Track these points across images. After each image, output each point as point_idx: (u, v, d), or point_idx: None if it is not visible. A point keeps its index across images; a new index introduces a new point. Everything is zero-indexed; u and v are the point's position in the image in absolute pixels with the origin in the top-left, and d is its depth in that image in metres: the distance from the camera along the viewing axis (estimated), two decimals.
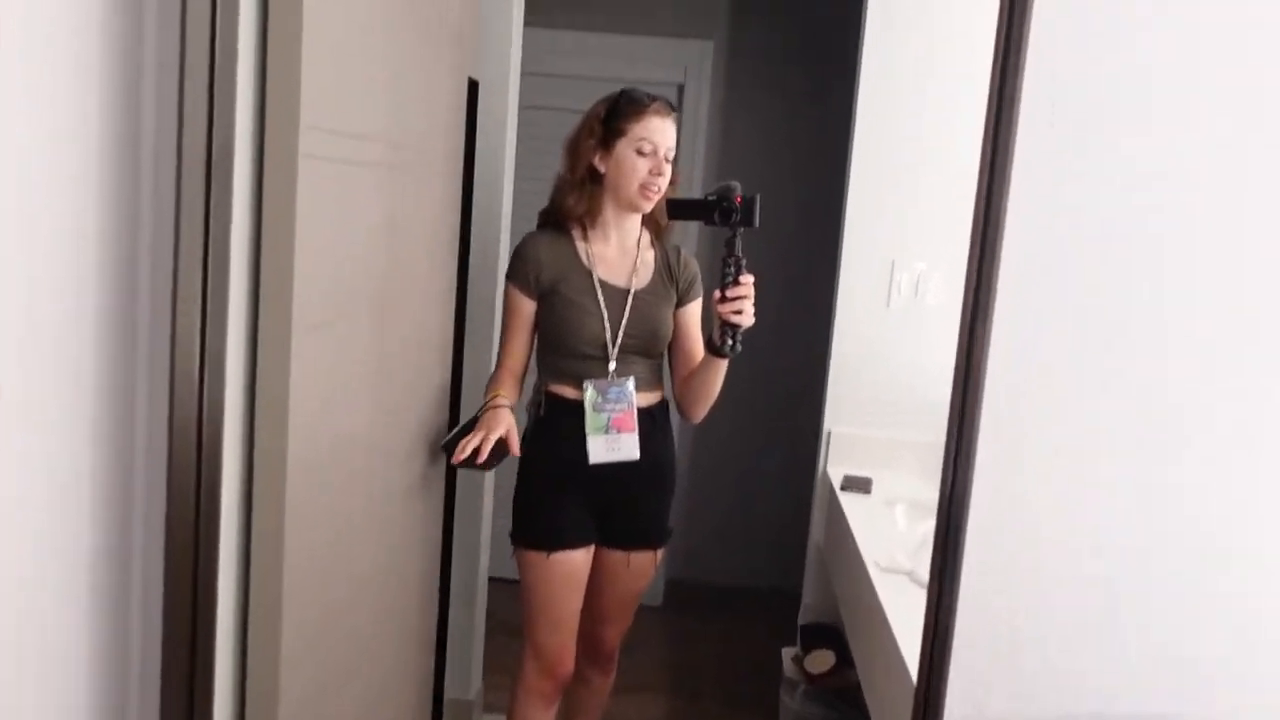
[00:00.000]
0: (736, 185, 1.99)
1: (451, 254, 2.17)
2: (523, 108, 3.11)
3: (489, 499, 2.95)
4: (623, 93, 2.13)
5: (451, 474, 2.41)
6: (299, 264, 1.42)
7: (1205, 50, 1.13)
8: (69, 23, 1.15)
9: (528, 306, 2.16)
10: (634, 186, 2.10)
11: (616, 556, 2.25)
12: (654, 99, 2.12)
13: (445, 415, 2.20)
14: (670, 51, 3.78)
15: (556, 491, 2.17)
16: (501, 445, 2.05)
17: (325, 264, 1.52)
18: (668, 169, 2.11)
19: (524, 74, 3.11)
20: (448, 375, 2.19)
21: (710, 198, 1.99)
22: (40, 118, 1.12)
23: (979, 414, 1.21)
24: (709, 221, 1.99)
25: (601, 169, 2.13)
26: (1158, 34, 1.13)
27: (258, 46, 1.35)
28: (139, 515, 1.33)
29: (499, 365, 2.22)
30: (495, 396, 2.13)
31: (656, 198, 2.12)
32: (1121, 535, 1.21)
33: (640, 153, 2.09)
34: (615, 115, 2.11)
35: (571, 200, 2.15)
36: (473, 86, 2.25)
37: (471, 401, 2.57)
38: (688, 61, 3.79)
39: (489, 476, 2.89)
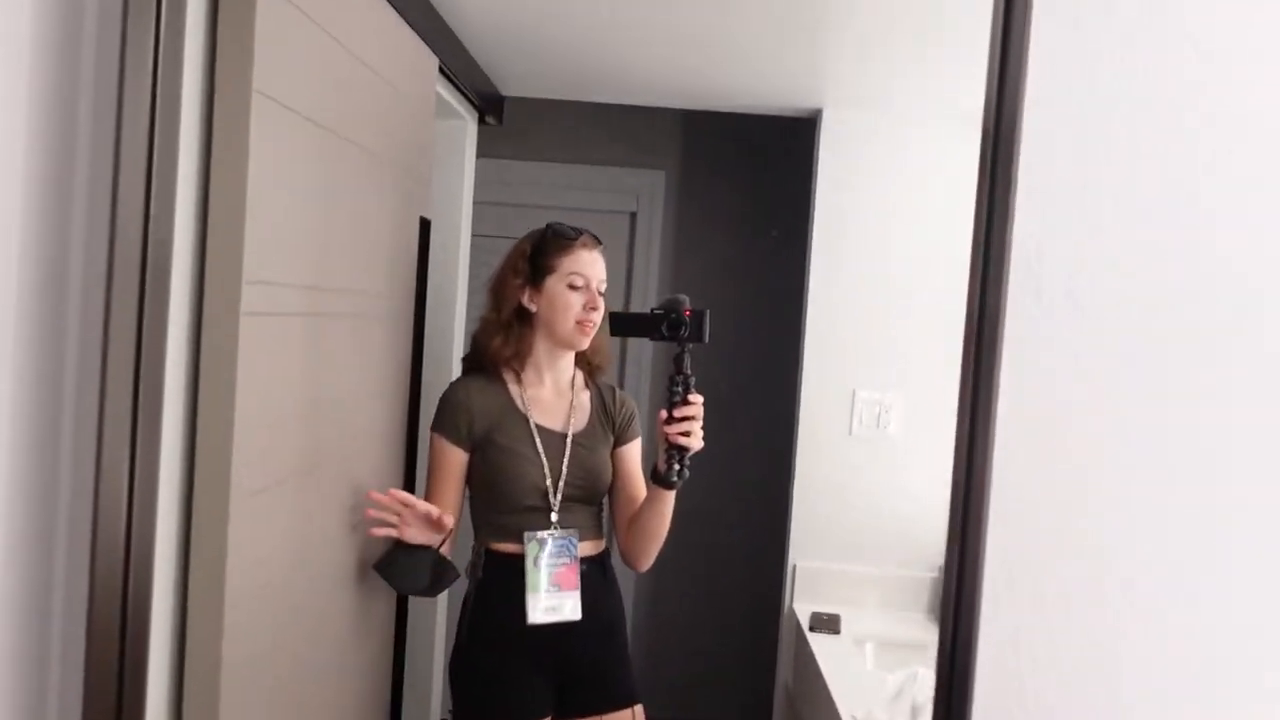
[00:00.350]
0: (685, 299, 1.92)
1: (400, 396, 2.09)
2: (476, 237, 3.07)
3: (440, 645, 2.81)
4: (549, 227, 2.04)
5: (401, 627, 2.27)
6: (239, 424, 1.33)
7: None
8: None
9: (458, 459, 2.01)
10: (570, 323, 2.00)
11: None
12: (580, 232, 2.03)
13: None
14: (624, 181, 3.79)
15: (507, 660, 1.99)
16: (446, 564, 1.90)
17: (266, 421, 1.43)
18: (601, 303, 2.02)
19: (477, 204, 3.08)
20: None
21: (657, 311, 1.92)
22: None
23: (982, 556, 1.13)
24: (655, 336, 1.91)
25: (532, 308, 2.03)
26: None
27: (198, 192, 1.28)
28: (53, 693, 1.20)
29: None
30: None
31: (593, 333, 2.03)
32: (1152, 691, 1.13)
33: (573, 287, 1.99)
34: (543, 251, 2.02)
35: (498, 342, 2.03)
36: (425, 224, 2.19)
37: None
38: (640, 191, 3.79)
39: (440, 620, 2.75)
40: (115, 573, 1.20)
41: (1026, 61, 1.12)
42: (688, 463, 1.92)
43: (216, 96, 1.28)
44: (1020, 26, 1.13)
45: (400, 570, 1.92)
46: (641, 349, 3.67)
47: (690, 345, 1.90)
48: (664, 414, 1.90)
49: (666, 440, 1.91)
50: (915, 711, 2.07)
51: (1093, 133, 1.12)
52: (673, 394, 1.90)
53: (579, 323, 2.00)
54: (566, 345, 2.05)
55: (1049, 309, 1.10)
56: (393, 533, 1.86)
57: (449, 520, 1.89)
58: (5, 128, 1.10)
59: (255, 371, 1.37)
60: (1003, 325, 1.09)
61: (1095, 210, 1.12)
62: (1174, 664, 1.12)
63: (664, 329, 1.90)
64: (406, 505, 1.86)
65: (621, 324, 2.07)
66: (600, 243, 2.07)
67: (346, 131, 1.65)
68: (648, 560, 2.09)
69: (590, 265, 2.01)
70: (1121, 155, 1.12)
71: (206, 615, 1.32)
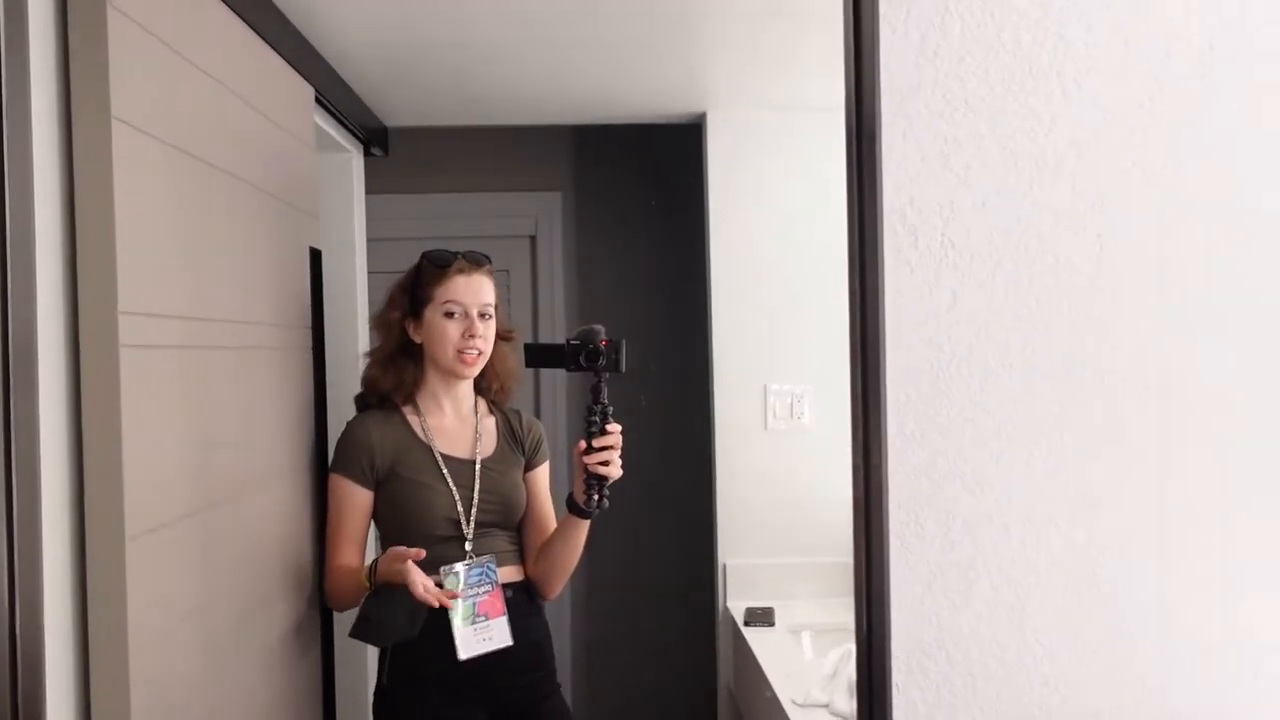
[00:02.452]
0: (600, 329, 1.91)
1: (303, 429, 2.05)
2: (374, 274, 3.03)
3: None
4: (423, 256, 2.01)
5: (329, 667, 2.21)
6: (128, 462, 1.28)
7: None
8: None
9: (363, 499, 1.96)
10: (450, 352, 1.96)
11: None
12: (457, 255, 1.99)
13: (316, 606, 2.03)
14: (520, 205, 3.78)
15: (432, 696, 1.93)
16: (414, 602, 1.80)
17: (156, 456, 1.38)
18: (483, 326, 1.97)
19: (372, 240, 3.04)
20: (312, 556, 2.03)
21: (572, 342, 1.91)
22: None
23: (886, 532, 1.15)
24: (571, 367, 1.90)
25: (417, 339, 2.00)
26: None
27: (64, 224, 1.24)
28: None
29: (332, 569, 1.95)
30: (364, 569, 1.88)
31: (477, 361, 1.98)
32: (1062, 645, 1.15)
33: (449, 315, 1.95)
34: (419, 282, 1.99)
35: (386, 376, 2.00)
36: (316, 255, 2.16)
37: None
38: (537, 213, 3.79)
39: (370, 658, 2.68)
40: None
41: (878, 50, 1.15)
42: (607, 492, 1.91)
43: (74, 125, 1.25)
44: (870, 11, 1.16)
45: (378, 624, 1.87)
46: (556, 377, 3.65)
47: (607, 375, 1.90)
48: (582, 444, 1.89)
49: (585, 470, 1.89)
50: (852, 687, 2.08)
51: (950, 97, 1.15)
52: (590, 424, 1.89)
53: (459, 351, 1.96)
54: (452, 375, 2.01)
55: (925, 253, 1.13)
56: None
57: (422, 552, 1.80)
58: None
59: (139, 405, 1.33)
60: (882, 273, 1.11)
61: (960, 160, 1.15)
62: (1072, 584, 1.14)
63: (581, 360, 1.89)
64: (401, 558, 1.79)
65: (536, 356, 2.06)
66: (481, 264, 2.01)
67: (218, 161, 1.62)
68: (557, 588, 2.05)
69: (466, 291, 1.96)
70: (982, 107, 1.15)
71: (110, 660, 1.27)
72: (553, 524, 2.08)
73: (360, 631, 1.89)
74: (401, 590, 1.81)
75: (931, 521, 1.15)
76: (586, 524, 1.97)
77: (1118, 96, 1.14)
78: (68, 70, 1.25)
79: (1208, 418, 1.15)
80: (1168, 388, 1.15)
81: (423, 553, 1.80)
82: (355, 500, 1.96)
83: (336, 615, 2.14)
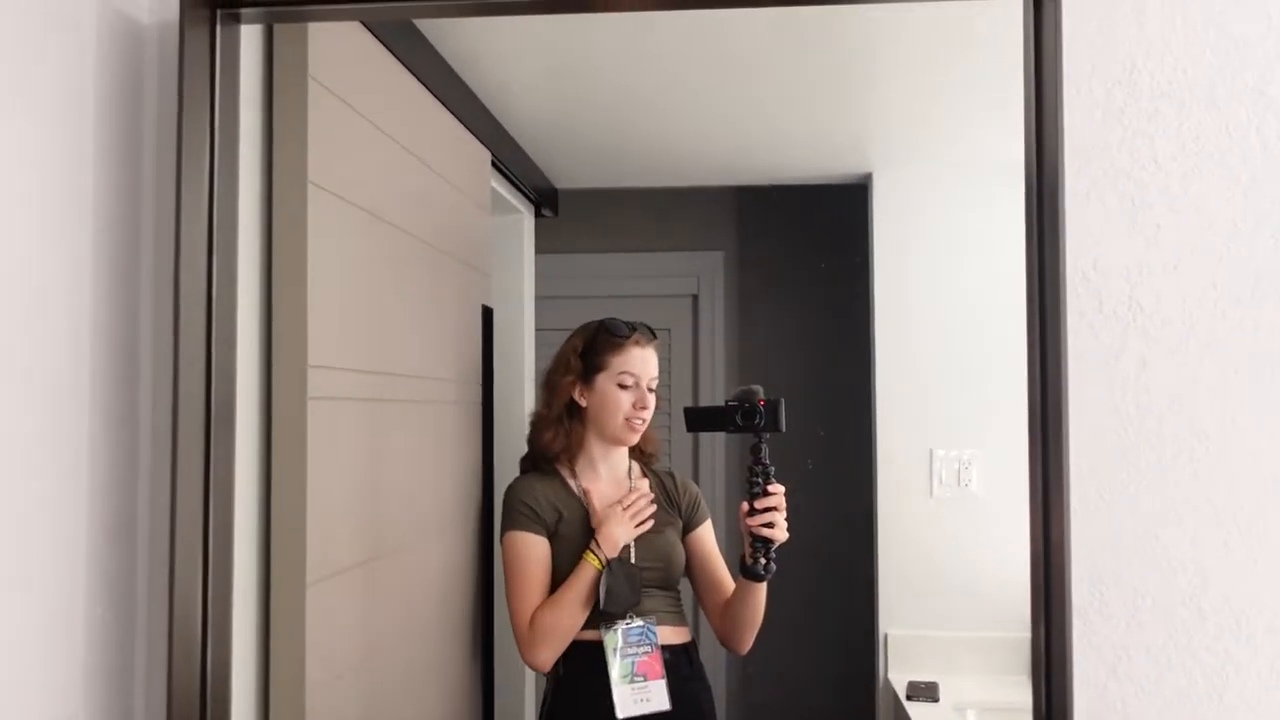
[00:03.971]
0: (759, 389, 1.92)
1: (473, 484, 2.10)
2: (540, 331, 3.10)
3: None
4: (600, 325, 2.08)
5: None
6: (311, 509, 1.34)
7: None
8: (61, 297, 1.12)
9: (544, 548, 1.97)
10: (619, 420, 2.02)
11: None
12: (634, 329, 2.07)
13: (478, 663, 2.07)
14: (682, 264, 3.81)
15: None
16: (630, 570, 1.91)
17: (333, 506, 1.44)
18: (652, 400, 2.04)
19: (540, 298, 3.12)
20: (477, 609, 2.07)
21: (731, 404, 1.92)
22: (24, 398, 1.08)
23: (1069, 608, 1.09)
24: (730, 429, 1.91)
25: (583, 403, 2.05)
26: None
27: (262, 283, 1.33)
28: None
29: (531, 620, 1.95)
30: (589, 555, 1.95)
31: (643, 429, 2.04)
32: None
33: (623, 386, 2.02)
34: (594, 349, 2.06)
35: (549, 435, 2.04)
36: (488, 313, 2.23)
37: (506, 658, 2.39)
38: (699, 273, 3.81)
39: (529, 712, 2.70)
40: (193, 673, 1.20)
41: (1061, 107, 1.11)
42: (773, 555, 1.91)
43: (274, 190, 1.34)
44: (1052, 69, 1.13)
45: (617, 593, 1.92)
46: (715, 440, 3.64)
47: (767, 435, 1.89)
48: (745, 506, 1.90)
49: (750, 533, 1.90)
50: None
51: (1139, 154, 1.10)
52: (753, 485, 1.90)
53: (627, 419, 2.02)
54: (616, 442, 2.06)
55: (1110, 316, 1.08)
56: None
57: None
58: (73, 231, 1.15)
59: (323, 454, 1.39)
60: (1064, 337, 1.07)
61: (1149, 220, 1.10)
62: (1275, 675, 1.06)
63: (739, 419, 1.91)
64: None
65: (695, 419, 2.08)
66: (654, 337, 2.10)
67: (401, 222, 1.70)
68: (748, 642, 2.08)
69: (641, 363, 2.04)
70: (1171, 165, 1.11)
71: (288, 701, 1.32)
72: (728, 579, 2.07)
73: (608, 600, 1.91)
74: (619, 560, 1.90)
75: (1117, 600, 1.08)
76: (762, 587, 1.99)
77: None
78: (271, 137, 1.34)
79: None
80: None
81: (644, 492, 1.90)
82: (537, 550, 1.98)
83: (499, 670, 2.17)
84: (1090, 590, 1.08)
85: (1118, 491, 1.09)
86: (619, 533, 1.88)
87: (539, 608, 1.96)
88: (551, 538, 1.99)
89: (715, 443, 3.57)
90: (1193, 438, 1.09)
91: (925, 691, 2.68)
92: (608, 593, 1.89)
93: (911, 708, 2.60)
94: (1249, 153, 1.09)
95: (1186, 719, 1.07)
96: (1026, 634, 3.00)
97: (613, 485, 2.08)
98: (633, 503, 1.92)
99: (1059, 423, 1.08)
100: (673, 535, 2.06)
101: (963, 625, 2.89)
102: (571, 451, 2.05)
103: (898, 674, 2.85)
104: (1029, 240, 1.14)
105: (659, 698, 1.94)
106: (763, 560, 1.89)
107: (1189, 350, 1.09)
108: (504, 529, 2.03)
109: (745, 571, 1.95)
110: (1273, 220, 1.08)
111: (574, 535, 1.99)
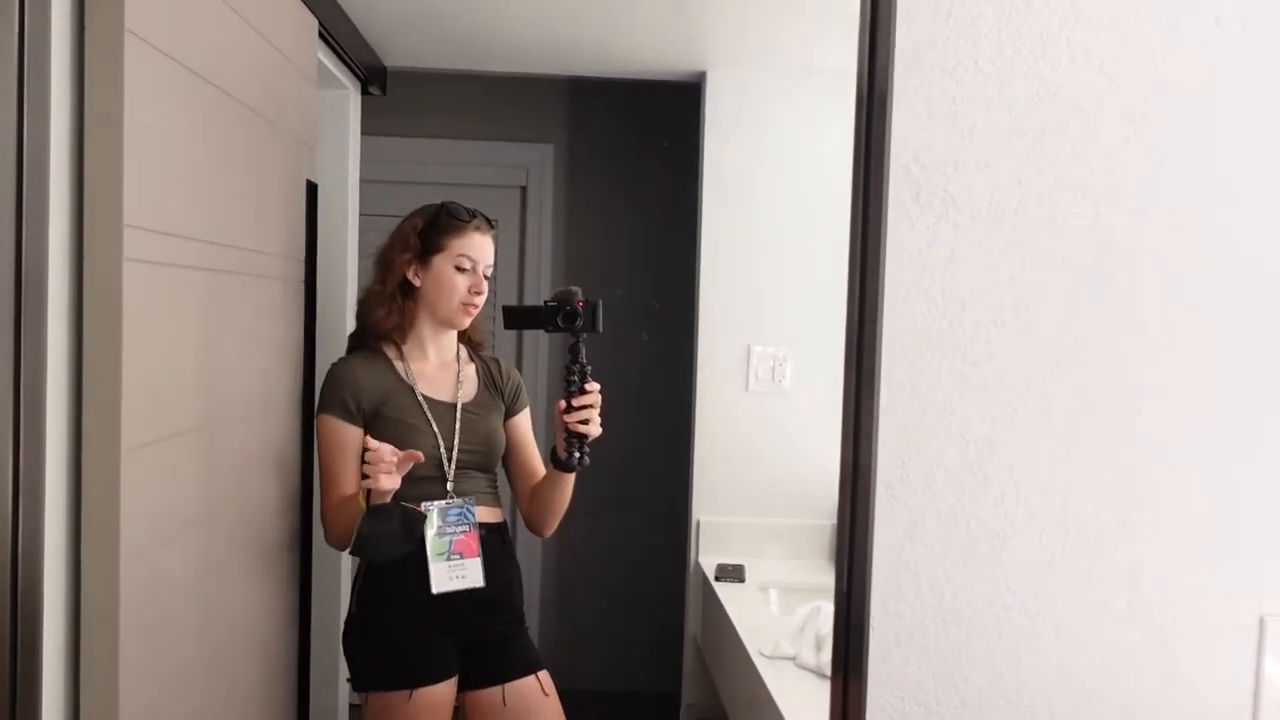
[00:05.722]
0: (577, 290, 1.95)
1: (296, 360, 2.06)
2: (363, 216, 3.03)
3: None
4: (442, 206, 2.04)
5: (306, 598, 2.23)
6: (126, 377, 1.30)
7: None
8: None
9: (354, 436, 1.97)
10: (454, 303, 2.02)
11: (488, 696, 2.02)
12: (474, 214, 2.04)
13: (297, 530, 2.06)
14: (512, 155, 3.78)
15: (403, 627, 1.97)
16: (410, 511, 1.90)
17: (153, 375, 1.40)
18: (486, 286, 2.04)
19: (364, 182, 3.04)
20: (297, 488, 2.05)
21: (550, 304, 1.95)
22: None
23: (874, 487, 1.18)
24: (550, 328, 1.94)
25: (416, 283, 2.03)
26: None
27: (72, 135, 1.25)
28: None
29: (331, 504, 1.97)
30: (360, 493, 1.91)
31: (475, 314, 2.05)
32: (1032, 594, 1.19)
33: (460, 269, 2.01)
34: (434, 230, 2.02)
35: (381, 313, 2.03)
36: (312, 189, 2.16)
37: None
38: (529, 165, 3.79)
39: (344, 586, 2.71)
40: (4, 539, 1.16)
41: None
42: (587, 449, 1.96)
43: (88, 35, 1.25)
44: None
45: (374, 540, 1.89)
46: (537, 338, 3.67)
47: (585, 335, 1.93)
48: (562, 404, 1.94)
49: (566, 429, 1.94)
50: (819, 641, 2.13)
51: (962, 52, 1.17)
52: (570, 383, 1.93)
53: (463, 304, 2.03)
54: (449, 324, 2.06)
55: (925, 208, 1.15)
56: (378, 483, 1.85)
57: (418, 454, 1.89)
58: None
59: (145, 321, 1.34)
60: (885, 226, 1.14)
61: (967, 119, 1.17)
62: (1054, 539, 1.18)
63: (559, 320, 1.94)
64: (387, 458, 1.85)
65: (515, 317, 2.09)
66: (493, 226, 2.08)
67: (227, 85, 1.62)
68: (551, 528, 2.13)
69: (480, 248, 2.03)
70: (991, 69, 1.17)
71: (101, 568, 1.29)
72: (540, 467, 2.14)
73: (359, 548, 1.90)
74: (396, 505, 1.89)
75: (916, 470, 1.18)
76: (571, 477, 2.03)
77: (1124, 65, 1.16)
78: None
79: (1177, 399, 1.19)
80: (1158, 353, 1.18)
81: (416, 454, 1.87)
82: (347, 438, 1.98)
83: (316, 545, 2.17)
84: (893, 460, 1.17)
85: (922, 369, 1.17)
86: (385, 482, 1.85)
87: (335, 494, 1.97)
88: (374, 420, 1.98)
89: (539, 335, 3.61)
90: (990, 324, 1.18)
91: (732, 573, 2.84)
92: (358, 537, 1.89)
93: (719, 588, 2.75)
94: (1059, 61, 1.17)
95: (969, 576, 1.19)
96: (828, 522, 3.23)
97: (440, 368, 2.08)
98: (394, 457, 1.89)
99: (875, 305, 1.16)
100: (496, 420, 2.10)
101: (770, 513, 3.07)
102: (402, 330, 2.04)
103: (708, 558, 3.01)
104: (857, 133, 1.20)
105: (474, 575, 1.99)
106: (577, 454, 1.95)
107: (993, 243, 1.17)
108: (319, 410, 2.02)
109: (557, 463, 2.01)
110: (1074, 125, 1.17)
111: (401, 417, 1.99)
